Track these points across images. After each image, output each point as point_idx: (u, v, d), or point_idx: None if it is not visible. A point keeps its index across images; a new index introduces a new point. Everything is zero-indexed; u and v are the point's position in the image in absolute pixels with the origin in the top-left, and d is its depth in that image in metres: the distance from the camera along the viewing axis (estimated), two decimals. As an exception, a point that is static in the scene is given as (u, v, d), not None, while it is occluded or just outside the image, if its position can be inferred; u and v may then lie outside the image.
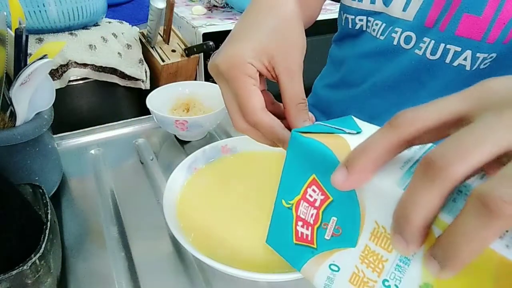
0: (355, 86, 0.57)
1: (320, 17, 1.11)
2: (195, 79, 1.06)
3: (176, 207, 0.40)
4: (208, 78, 1.05)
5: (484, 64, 0.42)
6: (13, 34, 0.39)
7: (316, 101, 0.66)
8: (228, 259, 0.33)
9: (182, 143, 0.59)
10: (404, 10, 0.47)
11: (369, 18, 0.52)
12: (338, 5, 0.72)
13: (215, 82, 0.74)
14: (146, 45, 0.97)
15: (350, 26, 0.56)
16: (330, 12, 1.22)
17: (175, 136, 0.60)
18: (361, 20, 0.54)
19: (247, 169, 0.47)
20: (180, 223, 0.37)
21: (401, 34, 0.48)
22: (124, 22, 1.02)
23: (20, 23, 0.38)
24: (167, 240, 0.41)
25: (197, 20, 1.03)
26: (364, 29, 0.54)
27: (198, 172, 0.45)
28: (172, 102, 0.61)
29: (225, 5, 1.18)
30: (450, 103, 0.18)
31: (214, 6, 1.18)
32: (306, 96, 0.33)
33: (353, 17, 0.54)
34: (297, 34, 0.33)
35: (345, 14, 0.56)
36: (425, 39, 0.45)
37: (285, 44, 0.31)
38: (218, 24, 1.00)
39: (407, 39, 0.47)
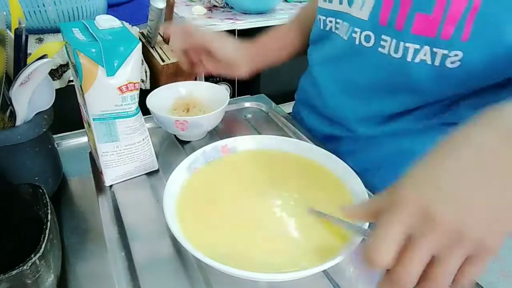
0: (331, 86, 0.58)
1: None
2: (195, 79, 1.06)
3: (176, 207, 0.40)
4: (208, 78, 1.05)
5: (453, 63, 0.42)
6: (12, 35, 0.39)
7: (304, 97, 0.67)
8: (228, 259, 0.33)
9: (182, 143, 0.59)
10: (360, 9, 0.48)
11: (338, 20, 0.54)
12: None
13: (215, 82, 0.75)
14: (146, 45, 0.97)
15: (321, 27, 0.57)
16: None
17: (175, 136, 0.60)
18: (330, 21, 0.55)
19: (247, 169, 0.47)
20: (180, 223, 0.37)
21: (360, 34, 0.49)
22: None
23: (19, 23, 0.38)
24: (167, 240, 0.41)
25: (197, 20, 1.03)
26: (334, 30, 0.55)
27: (198, 172, 0.45)
28: (172, 102, 0.61)
29: (225, 5, 1.18)
30: (392, 219, 0.26)
31: (214, 6, 1.18)
32: (294, 92, 0.53)
33: (324, 18, 0.56)
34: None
35: (318, 15, 0.57)
36: (384, 37, 0.46)
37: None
38: (218, 24, 1.00)
39: (367, 38, 0.48)
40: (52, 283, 0.32)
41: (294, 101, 0.72)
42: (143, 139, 0.47)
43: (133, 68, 0.42)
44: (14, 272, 0.28)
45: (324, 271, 0.38)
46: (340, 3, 0.52)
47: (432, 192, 0.26)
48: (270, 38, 0.66)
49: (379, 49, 0.47)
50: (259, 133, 0.62)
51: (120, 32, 0.43)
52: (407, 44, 0.44)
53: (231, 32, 1.00)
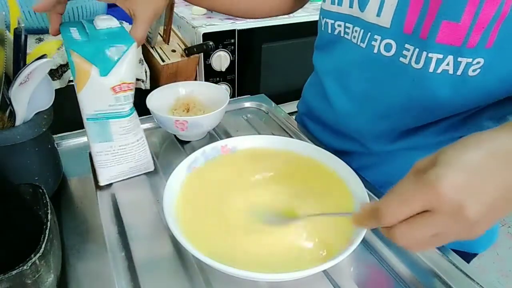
0: (343, 100, 0.55)
1: (304, 19, 1.10)
2: (195, 79, 1.05)
3: (176, 207, 0.40)
4: (208, 78, 1.05)
5: (474, 71, 0.41)
6: (10, 36, 0.39)
7: (307, 110, 0.64)
8: (228, 259, 0.33)
9: (182, 143, 0.59)
10: (378, 15, 0.46)
11: (347, 24, 0.51)
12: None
13: (215, 82, 0.75)
14: (146, 45, 0.97)
15: (329, 31, 0.54)
16: (313, 14, 1.19)
17: (175, 136, 0.60)
18: (339, 25, 0.52)
19: (247, 169, 0.47)
20: (180, 223, 0.37)
21: (380, 42, 0.46)
22: (124, 22, 1.01)
23: (19, 23, 0.38)
24: (167, 240, 0.41)
25: (197, 20, 1.03)
26: (342, 35, 0.52)
27: (198, 172, 0.45)
28: (172, 102, 0.61)
29: (225, 5, 1.18)
30: (417, 203, 0.27)
31: (214, 6, 1.19)
32: (294, 92, 0.50)
33: (332, 21, 0.53)
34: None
35: (324, 19, 0.54)
36: (407, 46, 0.44)
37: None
38: (218, 24, 1.00)
39: (387, 47, 0.46)
40: (52, 283, 0.32)
41: (297, 112, 0.70)
42: (138, 140, 0.47)
43: (127, 69, 0.41)
44: (14, 272, 0.28)
45: (324, 271, 0.38)
46: (351, 6, 0.49)
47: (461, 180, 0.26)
48: None
49: (400, 58, 0.45)
50: (259, 133, 0.62)
51: (116, 32, 0.43)
52: (430, 54, 0.42)
53: (231, 32, 1.00)
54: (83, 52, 0.39)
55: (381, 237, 0.42)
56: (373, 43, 0.47)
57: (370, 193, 0.47)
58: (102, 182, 0.48)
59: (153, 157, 0.55)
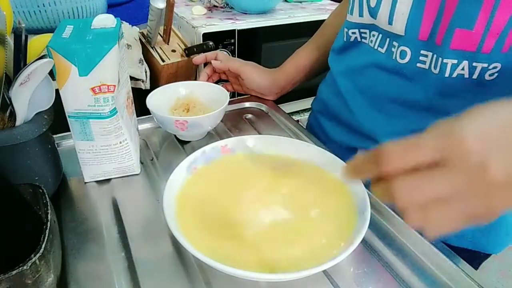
0: (358, 99, 0.56)
1: (304, 19, 1.10)
2: (195, 79, 1.05)
3: (176, 207, 0.40)
4: (208, 78, 1.05)
5: (491, 75, 0.41)
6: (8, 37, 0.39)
7: (323, 108, 0.66)
8: (228, 259, 0.33)
9: (182, 143, 0.59)
10: (390, 23, 0.46)
11: (362, 30, 0.52)
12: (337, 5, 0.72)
13: (215, 82, 0.75)
14: (146, 45, 0.97)
15: (344, 39, 0.56)
16: (313, 14, 1.18)
17: (175, 136, 0.60)
18: (353, 33, 0.54)
19: (247, 169, 0.47)
20: (180, 223, 0.37)
21: (397, 49, 0.47)
22: (124, 22, 1.01)
23: (19, 23, 0.38)
24: (167, 240, 0.41)
25: (197, 20, 1.03)
26: (360, 40, 0.53)
27: (198, 172, 0.45)
28: (172, 102, 0.61)
29: (225, 5, 1.18)
30: (433, 150, 0.22)
31: (214, 6, 1.18)
32: (294, 92, 0.69)
33: (346, 30, 0.55)
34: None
35: (344, 29, 0.56)
36: (424, 52, 0.44)
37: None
38: (218, 24, 1.00)
39: (402, 54, 0.47)
40: (52, 283, 0.32)
41: (310, 111, 0.72)
42: (120, 142, 0.47)
43: (107, 70, 0.41)
44: (14, 272, 0.28)
45: (324, 271, 0.38)
46: (361, 15, 0.50)
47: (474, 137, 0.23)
48: (291, 66, 0.70)
49: (418, 64, 0.46)
50: (259, 133, 0.62)
51: (106, 33, 0.42)
52: (445, 60, 0.42)
53: (231, 32, 1.00)
54: (62, 51, 0.39)
55: (381, 237, 0.42)
56: (392, 49, 0.48)
57: (370, 193, 0.47)
58: (86, 179, 0.49)
59: (153, 157, 0.55)
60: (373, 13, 0.48)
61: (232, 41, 1.01)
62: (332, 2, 1.32)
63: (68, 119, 0.44)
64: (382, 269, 0.39)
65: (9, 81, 0.40)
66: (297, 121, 0.67)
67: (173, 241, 0.41)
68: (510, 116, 0.24)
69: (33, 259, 0.29)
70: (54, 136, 0.50)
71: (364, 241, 0.42)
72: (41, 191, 0.36)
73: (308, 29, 1.12)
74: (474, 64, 0.41)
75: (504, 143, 0.23)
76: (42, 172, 0.44)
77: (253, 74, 0.68)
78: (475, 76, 0.42)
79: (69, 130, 0.45)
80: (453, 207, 0.23)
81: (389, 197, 0.23)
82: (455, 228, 0.24)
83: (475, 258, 0.38)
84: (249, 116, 0.68)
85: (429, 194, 0.22)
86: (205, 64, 0.74)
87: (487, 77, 0.41)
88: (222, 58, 0.70)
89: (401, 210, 0.23)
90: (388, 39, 0.48)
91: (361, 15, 0.51)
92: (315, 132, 0.67)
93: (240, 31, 1.01)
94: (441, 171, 0.22)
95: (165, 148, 0.58)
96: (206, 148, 0.47)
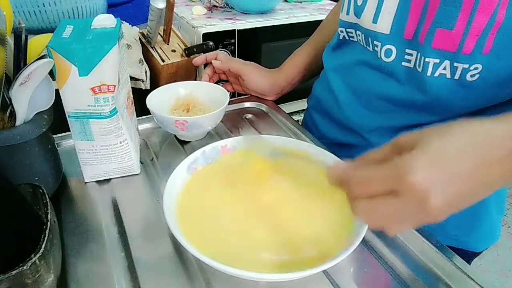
0: (346, 94, 0.57)
1: (304, 19, 1.10)
2: (195, 79, 1.05)
3: (176, 207, 0.40)
4: (209, 78, 1.05)
5: (472, 77, 0.41)
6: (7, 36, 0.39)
7: (316, 104, 0.66)
8: (228, 259, 0.33)
9: (182, 143, 0.59)
10: (374, 22, 0.47)
11: (348, 30, 0.53)
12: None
13: (215, 82, 0.75)
14: (146, 45, 0.97)
15: (339, 37, 0.57)
16: (313, 14, 1.18)
17: (175, 136, 0.60)
18: (341, 31, 0.55)
19: (247, 169, 0.47)
20: (180, 223, 0.37)
21: (381, 48, 0.47)
22: (124, 22, 1.01)
23: (19, 23, 0.38)
24: (167, 240, 0.41)
25: (197, 20, 1.03)
26: (347, 38, 0.54)
27: (198, 172, 0.45)
28: (172, 102, 0.61)
29: (225, 5, 1.18)
30: (385, 186, 0.28)
31: (214, 6, 1.18)
32: (294, 92, 0.67)
33: (339, 28, 0.56)
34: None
35: (339, 28, 0.57)
36: (408, 51, 0.45)
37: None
38: (218, 24, 1.00)
39: (388, 53, 0.47)
40: (52, 283, 0.32)
41: (297, 112, 0.73)
42: (120, 142, 0.47)
43: (107, 70, 0.41)
44: (14, 272, 0.28)
45: (324, 271, 0.38)
46: (347, 13, 0.51)
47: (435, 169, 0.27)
48: (291, 66, 0.70)
49: (403, 63, 0.46)
50: (259, 133, 0.62)
51: (106, 32, 0.42)
52: (427, 59, 0.43)
53: (231, 32, 1.00)
54: (62, 51, 0.39)
55: (381, 237, 0.42)
56: (375, 48, 0.49)
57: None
58: (86, 179, 0.49)
59: (153, 157, 0.55)
60: (358, 11, 0.49)
61: (232, 41, 1.01)
62: (331, 2, 1.32)
63: (68, 119, 0.44)
64: (382, 269, 0.39)
65: (9, 81, 0.40)
66: (297, 121, 0.67)
67: (173, 241, 0.41)
68: (470, 142, 0.27)
69: (33, 259, 0.29)
70: (54, 136, 0.50)
71: (364, 241, 0.42)
72: (41, 191, 0.36)
73: (308, 29, 1.12)
74: (455, 64, 0.42)
75: (449, 176, 0.27)
76: (42, 172, 0.44)
77: (253, 74, 0.69)
78: (456, 77, 0.42)
79: (69, 130, 0.45)
80: (401, 220, 0.29)
81: (352, 210, 0.30)
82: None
83: (462, 256, 0.40)
84: (249, 116, 0.68)
85: (380, 215, 0.29)
86: (205, 65, 0.74)
87: (468, 78, 0.42)
88: (222, 58, 0.70)
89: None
90: (369, 39, 0.49)
91: (348, 13, 0.52)
92: (309, 128, 0.67)
93: (240, 31, 1.01)
94: (391, 200, 0.28)
95: (165, 148, 0.58)
96: (206, 148, 0.47)
